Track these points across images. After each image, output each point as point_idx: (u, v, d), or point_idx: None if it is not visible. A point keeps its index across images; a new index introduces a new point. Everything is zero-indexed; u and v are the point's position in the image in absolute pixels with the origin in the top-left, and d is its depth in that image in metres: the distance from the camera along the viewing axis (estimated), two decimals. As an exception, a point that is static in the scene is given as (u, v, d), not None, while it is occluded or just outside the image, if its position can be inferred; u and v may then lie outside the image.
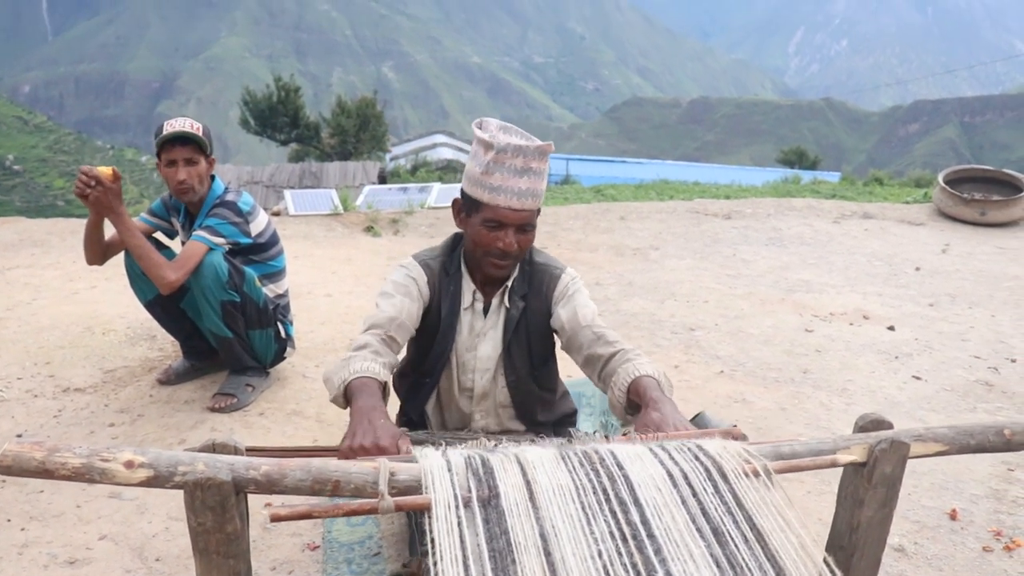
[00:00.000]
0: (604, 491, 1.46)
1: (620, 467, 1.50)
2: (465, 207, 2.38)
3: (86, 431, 3.54)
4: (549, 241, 8.53)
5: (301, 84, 34.29)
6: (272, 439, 3.47)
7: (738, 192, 13.92)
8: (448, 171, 29.48)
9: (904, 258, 7.94)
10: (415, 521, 2.22)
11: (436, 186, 13.04)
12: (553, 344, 2.65)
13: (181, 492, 1.40)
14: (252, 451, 1.67)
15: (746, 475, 1.53)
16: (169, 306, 3.90)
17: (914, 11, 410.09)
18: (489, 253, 2.34)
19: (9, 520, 2.78)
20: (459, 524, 1.37)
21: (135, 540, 2.68)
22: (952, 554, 2.69)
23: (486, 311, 2.54)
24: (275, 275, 3.93)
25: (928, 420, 3.91)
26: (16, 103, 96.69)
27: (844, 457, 1.67)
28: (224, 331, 3.69)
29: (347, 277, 6.75)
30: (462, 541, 1.35)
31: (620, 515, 1.42)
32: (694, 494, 1.48)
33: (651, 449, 1.56)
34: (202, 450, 1.50)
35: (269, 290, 3.87)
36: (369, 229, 9.03)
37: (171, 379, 4.07)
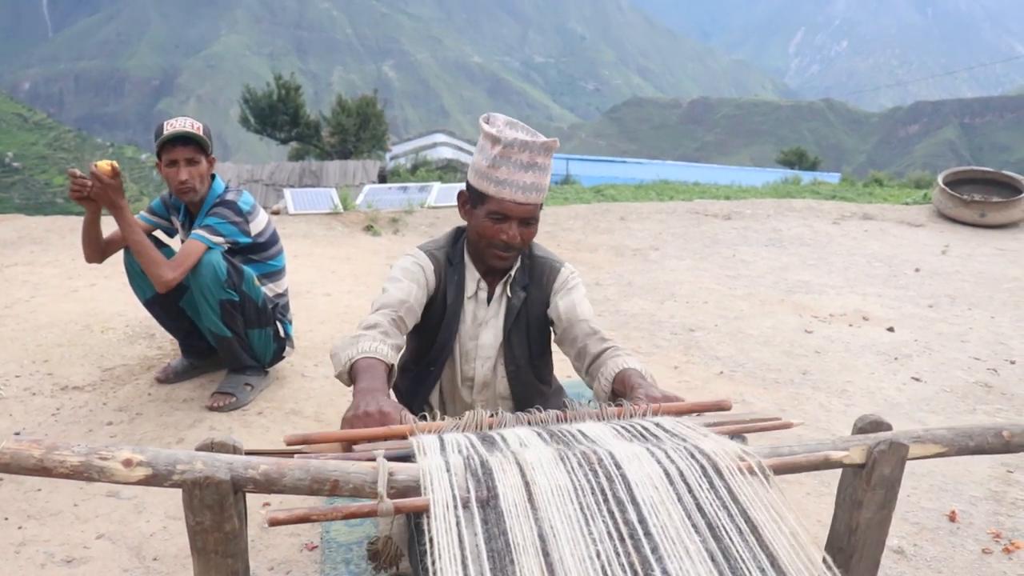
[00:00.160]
0: (602, 491, 1.46)
1: (618, 467, 1.50)
2: (471, 199, 2.43)
3: (84, 429, 3.53)
4: (549, 241, 8.52)
5: (301, 82, 34.30)
6: (271, 438, 3.47)
7: (738, 193, 13.92)
8: (448, 170, 29.48)
9: (904, 259, 7.94)
10: (413, 521, 2.22)
11: (436, 186, 13.02)
12: (550, 335, 2.69)
13: (179, 491, 1.40)
14: (252, 455, 1.67)
15: (741, 472, 1.54)
16: (168, 305, 3.89)
17: (914, 12, 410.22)
18: (493, 244, 2.40)
19: (6, 518, 2.78)
20: (457, 525, 1.37)
21: (133, 539, 2.68)
22: (951, 556, 2.69)
23: (488, 300, 2.59)
24: (274, 274, 3.93)
25: (927, 421, 3.91)
26: (16, 100, 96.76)
27: (842, 458, 1.66)
28: (223, 330, 3.69)
29: (346, 276, 6.74)
30: (460, 541, 1.35)
31: (618, 514, 1.42)
32: (689, 490, 1.48)
33: (649, 449, 1.56)
34: (200, 449, 1.50)
35: (268, 289, 3.87)
36: (369, 228, 9.03)
37: (170, 378, 4.06)
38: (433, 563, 1.32)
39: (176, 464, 1.38)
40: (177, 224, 3.92)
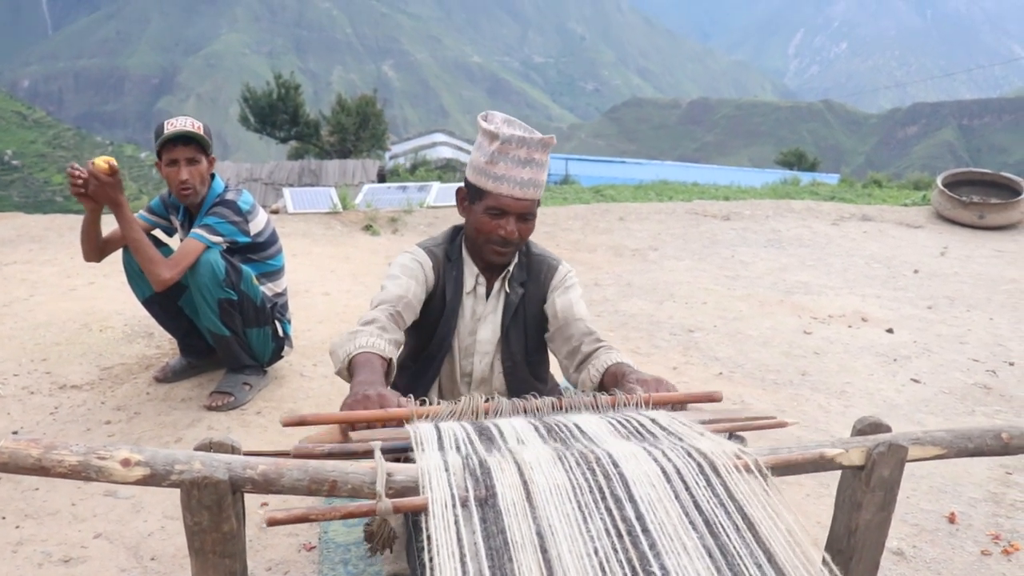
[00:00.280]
0: (600, 489, 1.46)
1: (615, 465, 1.50)
2: (469, 195, 2.46)
3: (82, 428, 3.53)
4: (548, 241, 8.52)
5: (301, 82, 34.27)
6: (269, 438, 3.47)
7: (737, 193, 13.92)
8: (447, 170, 29.48)
9: (902, 260, 7.94)
10: (411, 520, 2.22)
11: (435, 185, 13.03)
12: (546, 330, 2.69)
13: (177, 491, 1.39)
14: (249, 455, 1.67)
15: (738, 470, 1.54)
16: (167, 304, 3.89)
17: (914, 14, 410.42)
18: (491, 240, 2.42)
19: (4, 518, 2.77)
20: (456, 523, 1.37)
21: (130, 539, 2.67)
22: (950, 558, 2.69)
23: (487, 296, 2.61)
24: (273, 274, 3.92)
25: (926, 423, 3.91)
26: (15, 98, 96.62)
27: (841, 460, 1.66)
28: (221, 329, 3.68)
29: (345, 276, 6.74)
30: (459, 539, 1.35)
31: (615, 512, 1.42)
32: (687, 488, 1.49)
33: (646, 448, 1.56)
34: (199, 449, 1.50)
35: (267, 288, 3.87)
36: (368, 228, 9.03)
37: (168, 377, 4.06)
38: (431, 560, 1.32)
39: (174, 464, 1.38)
40: (176, 223, 3.91)
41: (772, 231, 9.37)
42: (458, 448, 1.56)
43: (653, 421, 1.73)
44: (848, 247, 8.59)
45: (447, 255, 2.60)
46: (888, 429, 1.77)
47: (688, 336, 5.28)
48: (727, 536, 1.42)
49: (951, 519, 2.94)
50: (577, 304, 2.55)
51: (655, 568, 1.34)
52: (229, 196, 3.72)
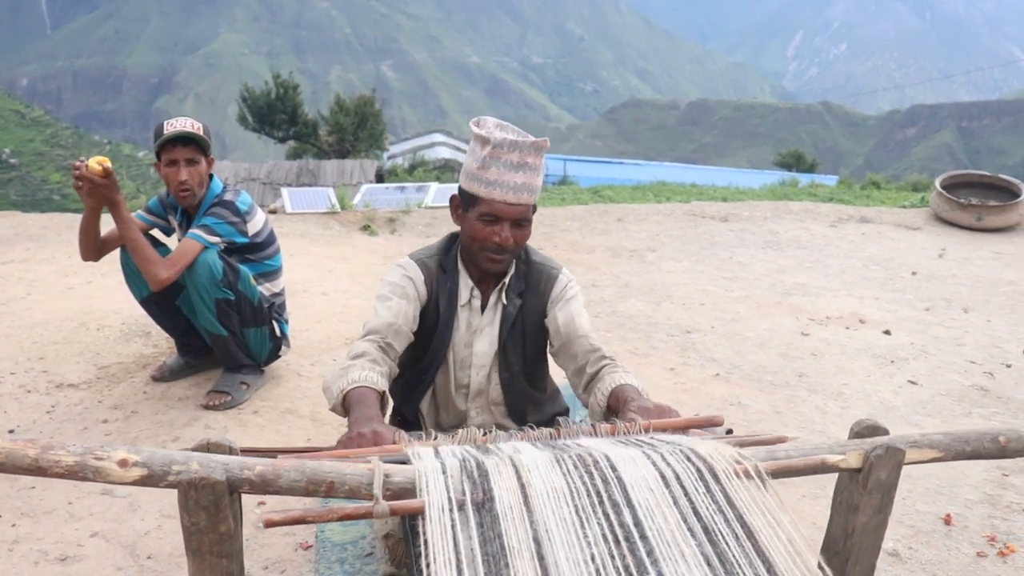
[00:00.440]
0: (598, 493, 1.46)
1: (614, 469, 1.50)
2: (463, 202, 2.42)
3: (79, 427, 3.53)
4: (546, 242, 8.52)
5: (300, 81, 34.24)
6: (266, 437, 3.46)
7: (735, 195, 13.92)
8: (446, 170, 29.48)
9: (900, 262, 7.94)
10: (408, 523, 2.22)
11: (433, 186, 13.03)
12: (546, 343, 2.67)
13: (175, 490, 1.39)
14: (247, 452, 1.67)
15: (737, 475, 1.53)
16: (164, 303, 3.88)
17: (913, 16, 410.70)
18: (485, 247, 2.37)
19: (0, 516, 2.77)
20: (453, 527, 1.37)
21: (127, 537, 2.67)
22: (946, 559, 2.69)
23: (483, 308, 2.56)
24: (271, 274, 3.92)
25: (923, 425, 3.91)
26: (14, 96, 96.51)
27: (839, 463, 1.66)
28: (219, 329, 3.68)
29: (343, 276, 6.74)
30: (455, 544, 1.35)
31: (613, 517, 1.42)
32: (686, 494, 1.48)
33: (644, 452, 1.56)
34: (196, 449, 1.50)
35: (265, 288, 3.86)
36: (366, 228, 9.02)
37: (165, 376, 4.06)
38: (428, 566, 1.32)
39: (172, 465, 1.38)
40: (174, 223, 3.91)
41: (770, 232, 9.37)
42: (455, 453, 1.56)
43: (651, 436, 1.73)
44: (846, 249, 8.59)
45: (441, 266, 2.55)
46: (885, 432, 1.77)
47: (685, 337, 5.28)
48: (726, 544, 1.41)
49: (947, 521, 2.94)
50: (579, 317, 2.51)
51: (652, 575, 1.33)
52: (227, 196, 3.71)
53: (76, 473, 1.35)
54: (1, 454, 1.32)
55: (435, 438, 1.80)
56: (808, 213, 10.55)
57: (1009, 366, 4.85)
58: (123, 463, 1.36)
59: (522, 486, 1.44)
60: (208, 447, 1.52)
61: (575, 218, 9.93)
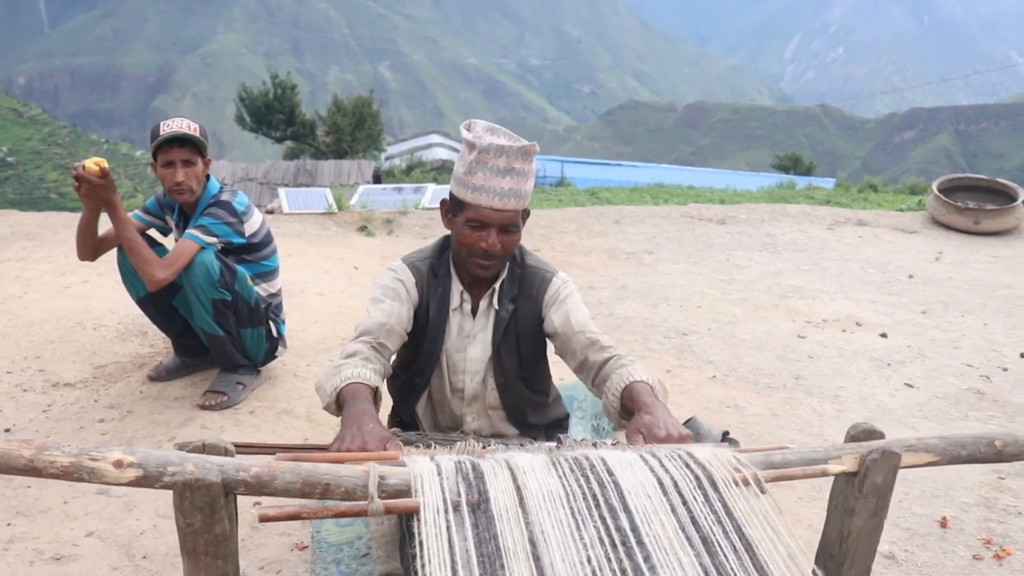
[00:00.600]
0: (594, 497, 1.45)
1: (610, 473, 1.49)
2: (452, 207, 2.40)
3: (75, 426, 3.52)
4: (543, 244, 8.52)
5: (297, 82, 34.21)
6: (262, 437, 3.46)
7: (733, 197, 13.94)
8: (443, 171, 29.52)
9: (897, 265, 7.95)
10: (405, 524, 2.22)
11: (430, 187, 13.03)
12: (543, 347, 2.65)
13: (170, 490, 1.39)
14: (241, 447, 1.67)
15: (736, 484, 1.53)
16: (161, 303, 3.88)
17: (910, 20, 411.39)
18: (473, 253, 2.35)
19: (-4, 515, 2.76)
20: (448, 528, 1.37)
21: (122, 537, 2.66)
22: (942, 562, 2.69)
23: (474, 313, 2.54)
24: (268, 274, 3.92)
25: (920, 428, 3.92)
26: (11, 95, 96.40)
27: (835, 467, 1.66)
28: (215, 329, 3.68)
29: (340, 276, 6.74)
30: (450, 545, 1.34)
31: (610, 521, 1.41)
32: (684, 502, 1.47)
33: (641, 456, 1.55)
34: (192, 450, 1.50)
35: (262, 289, 3.86)
36: (363, 228, 9.02)
37: (162, 376, 4.05)
38: (423, 567, 1.31)
39: (167, 466, 1.37)
40: (171, 223, 3.91)
41: (767, 235, 9.37)
42: (451, 456, 1.56)
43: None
44: (843, 252, 8.60)
45: (432, 270, 2.54)
46: (881, 435, 1.77)
47: (682, 339, 5.29)
48: (724, 556, 1.40)
49: (943, 523, 2.94)
50: (575, 314, 2.47)
51: (649, 581, 1.33)
52: (224, 197, 3.71)
53: (71, 474, 1.34)
54: (-4, 454, 1.32)
55: (432, 448, 1.79)
56: (805, 216, 10.56)
57: (1006, 370, 4.85)
58: (118, 464, 1.36)
59: (517, 488, 1.44)
60: (203, 448, 1.51)
61: (572, 220, 9.93)
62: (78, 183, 3.25)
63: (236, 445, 1.61)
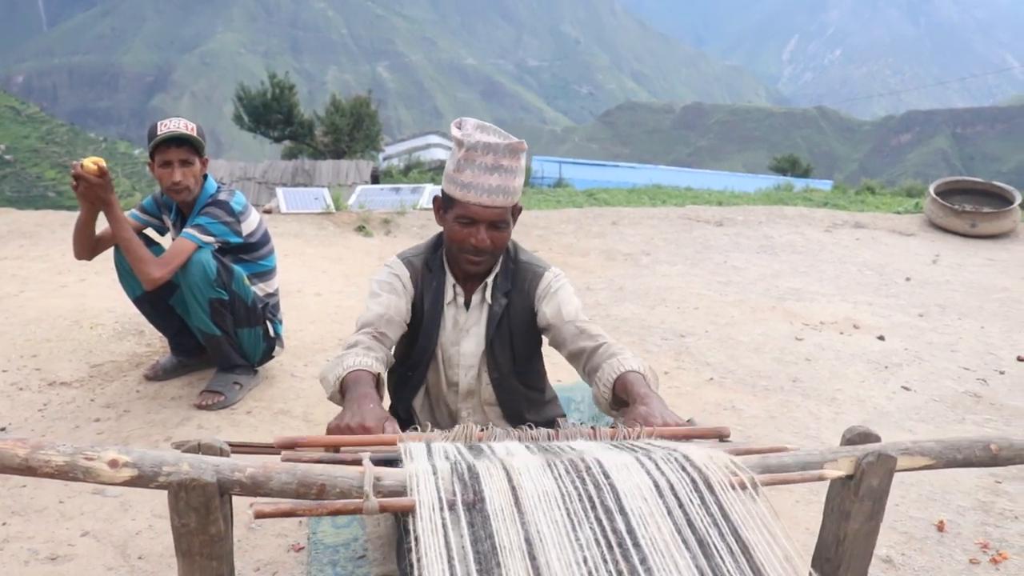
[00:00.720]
0: (590, 498, 1.45)
1: (606, 476, 1.49)
2: (443, 204, 2.43)
3: (71, 425, 3.52)
4: (541, 244, 8.52)
5: (296, 81, 34.22)
6: (259, 437, 3.45)
7: (730, 199, 13.94)
8: (441, 172, 29.38)
9: (895, 268, 7.96)
10: (401, 524, 2.22)
11: (428, 187, 13.04)
12: (538, 343, 2.68)
13: (165, 490, 1.39)
14: (236, 447, 1.66)
15: (732, 487, 1.53)
16: (157, 302, 3.87)
17: (907, 23, 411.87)
18: (463, 249, 2.38)
19: (-9, 515, 2.76)
20: (443, 526, 1.37)
21: (118, 537, 2.66)
22: (939, 566, 2.69)
23: (467, 306, 2.57)
24: (265, 274, 3.92)
25: (916, 430, 3.92)
26: (9, 93, 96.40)
27: (831, 471, 1.66)
28: (212, 329, 3.67)
29: (337, 276, 6.73)
30: (447, 542, 1.34)
31: (606, 523, 1.41)
32: (680, 505, 1.47)
33: (637, 459, 1.55)
34: (187, 450, 1.49)
35: (259, 289, 3.86)
36: (361, 229, 9.02)
37: (158, 375, 4.05)
38: (418, 562, 1.31)
39: (162, 466, 1.37)
40: (168, 223, 3.91)
41: (765, 237, 9.38)
42: (447, 456, 1.56)
43: (648, 440, 1.72)
44: (840, 254, 8.60)
45: (427, 264, 2.57)
46: (877, 439, 1.77)
47: (680, 341, 5.29)
48: (720, 559, 1.40)
49: (940, 527, 2.94)
50: (565, 305, 2.49)
51: (646, 583, 1.33)
52: (222, 197, 3.71)
53: (66, 473, 1.34)
54: (-9, 453, 1.32)
55: (430, 430, 1.79)
56: (803, 218, 10.57)
57: (1003, 373, 4.86)
58: (113, 463, 1.35)
59: (512, 488, 1.44)
60: (199, 448, 1.51)
61: (570, 221, 9.93)
62: (76, 182, 3.24)
63: (232, 445, 1.61)
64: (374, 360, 2.21)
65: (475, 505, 1.41)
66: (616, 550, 1.37)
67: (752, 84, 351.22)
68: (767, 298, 6.58)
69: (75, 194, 3.30)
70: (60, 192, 61.38)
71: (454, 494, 1.42)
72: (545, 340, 2.63)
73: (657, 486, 1.49)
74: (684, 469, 1.54)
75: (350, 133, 31.14)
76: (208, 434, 3.46)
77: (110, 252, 3.74)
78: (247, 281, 3.73)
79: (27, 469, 1.33)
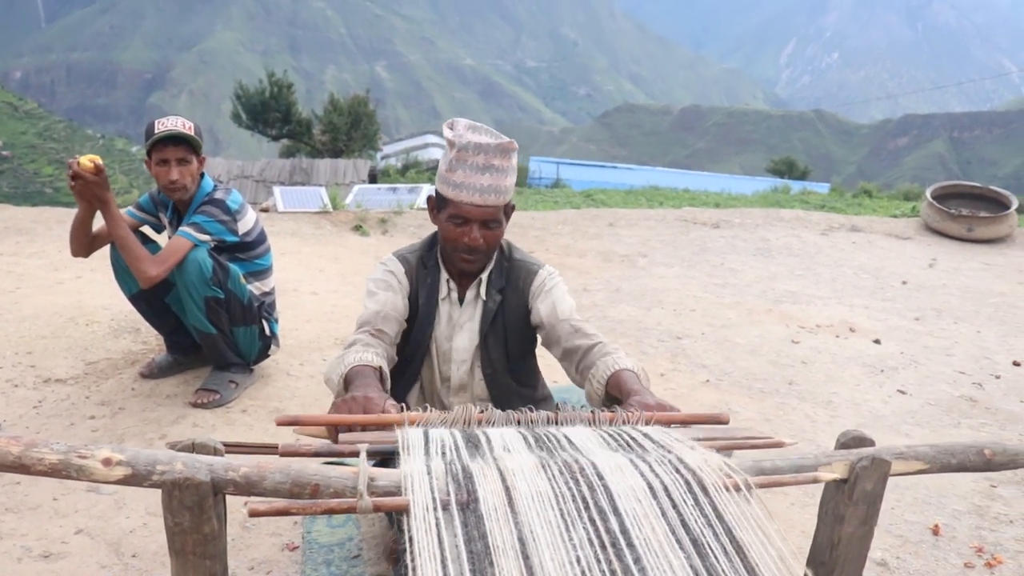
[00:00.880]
0: (583, 499, 1.45)
1: (600, 477, 1.49)
2: (437, 204, 2.46)
3: (66, 423, 3.51)
4: (538, 245, 8.52)
5: (294, 80, 34.19)
6: (254, 436, 3.45)
7: (727, 201, 13.96)
8: (439, 172, 29.42)
9: (891, 272, 7.96)
10: (396, 524, 2.22)
11: (426, 187, 13.03)
12: (532, 340, 2.69)
13: (159, 489, 1.38)
14: (231, 447, 1.66)
15: (726, 489, 1.53)
16: (153, 300, 3.87)
17: (905, 27, 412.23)
18: (457, 248, 2.41)
19: (-15, 512, 2.75)
20: (437, 526, 1.37)
21: (112, 535, 2.66)
22: (934, 569, 2.69)
23: (462, 302, 2.59)
24: (261, 273, 3.92)
25: (912, 434, 3.92)
26: (7, 89, 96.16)
27: (825, 474, 1.66)
28: (208, 327, 3.67)
29: (334, 275, 6.73)
30: (440, 542, 1.34)
31: (599, 523, 1.41)
32: (674, 506, 1.47)
33: (632, 460, 1.55)
34: (181, 449, 1.49)
35: (255, 287, 3.86)
36: (357, 228, 9.01)
37: (154, 373, 4.04)
38: (412, 562, 1.31)
39: (156, 464, 1.37)
40: (165, 221, 3.90)
41: (762, 240, 9.38)
42: (443, 454, 1.55)
43: (645, 435, 1.72)
44: (837, 257, 8.61)
45: (422, 261, 2.60)
46: (872, 443, 1.77)
47: (676, 343, 5.29)
48: (715, 558, 1.40)
49: (935, 531, 2.95)
50: (560, 304, 2.52)
51: (640, 582, 1.33)
52: (218, 195, 3.71)
53: (59, 471, 1.34)
54: (-16, 451, 1.31)
55: (428, 410, 1.80)
56: (799, 221, 10.58)
57: (998, 377, 4.86)
58: (107, 462, 1.35)
59: (506, 489, 1.44)
60: (193, 447, 1.51)
61: (567, 222, 9.93)
62: (74, 180, 3.24)
63: (226, 444, 1.60)
64: (374, 355, 2.22)
65: (469, 505, 1.41)
66: (610, 550, 1.37)
67: (750, 87, 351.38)
68: (763, 301, 6.58)
69: (72, 192, 3.30)
70: (57, 188, 61.23)
71: (448, 494, 1.42)
72: (538, 340, 2.64)
73: (651, 488, 1.49)
74: (678, 471, 1.54)
75: (348, 132, 31.11)
76: (203, 432, 3.46)
77: (106, 249, 3.74)
78: (243, 280, 3.73)
79: (20, 467, 1.32)
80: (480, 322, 2.58)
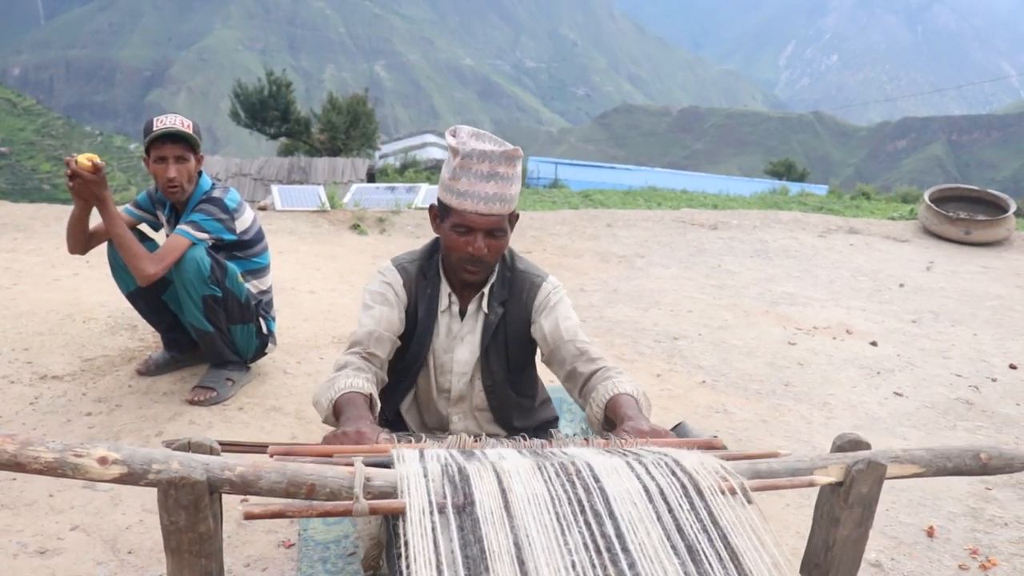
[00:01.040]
0: (579, 502, 1.45)
1: (596, 479, 1.49)
2: (439, 213, 2.42)
3: (62, 420, 3.51)
4: (535, 246, 8.52)
5: (293, 79, 34.18)
6: (251, 434, 3.45)
7: (725, 202, 13.96)
8: (437, 171, 29.44)
9: (888, 274, 7.97)
10: (391, 524, 2.22)
11: (424, 187, 13.02)
12: (532, 351, 2.66)
13: (155, 488, 1.39)
14: (227, 446, 1.66)
15: (722, 492, 1.53)
16: (151, 298, 3.87)
17: (904, 30, 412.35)
18: (461, 258, 2.37)
19: (-20, 508, 2.75)
20: (433, 529, 1.37)
21: (108, 531, 2.65)
22: (929, 571, 2.69)
23: (463, 315, 2.56)
24: (259, 271, 3.91)
25: (908, 437, 3.92)
26: (5, 85, 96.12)
27: (821, 477, 1.66)
28: (205, 325, 3.67)
29: (331, 274, 6.73)
30: (436, 546, 1.34)
31: (595, 527, 1.41)
32: (670, 510, 1.47)
33: (628, 463, 1.55)
34: (177, 448, 1.49)
35: (252, 286, 3.85)
36: (355, 227, 9.01)
37: (151, 370, 4.04)
38: (408, 567, 1.31)
39: (152, 463, 1.37)
40: (162, 219, 3.90)
41: (759, 241, 9.39)
42: (438, 458, 1.55)
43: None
44: (834, 259, 8.61)
45: (422, 271, 2.55)
46: (868, 446, 1.77)
47: (672, 344, 5.29)
48: (709, 564, 1.40)
49: (930, 533, 2.95)
50: (564, 322, 2.48)
51: (634, 589, 1.33)
52: (216, 194, 3.71)
53: (55, 470, 1.34)
54: (-20, 448, 1.31)
55: (423, 441, 1.79)
56: (797, 223, 10.58)
57: (995, 380, 4.87)
58: (103, 461, 1.35)
59: (503, 491, 1.44)
60: (189, 446, 1.51)
61: (565, 222, 9.93)
62: (71, 178, 3.24)
63: (222, 443, 1.60)
64: (364, 381, 2.21)
65: (465, 508, 1.41)
66: (605, 555, 1.37)
67: (749, 89, 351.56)
68: (760, 302, 6.58)
69: (70, 191, 3.30)
70: (55, 185, 61.17)
71: (444, 496, 1.42)
72: (538, 353, 2.62)
73: (647, 491, 1.49)
74: (674, 474, 1.54)
75: (346, 131, 31.08)
76: (200, 430, 3.46)
77: (104, 247, 3.73)
78: (241, 278, 3.72)
79: (16, 465, 1.32)
80: (482, 335, 2.54)
